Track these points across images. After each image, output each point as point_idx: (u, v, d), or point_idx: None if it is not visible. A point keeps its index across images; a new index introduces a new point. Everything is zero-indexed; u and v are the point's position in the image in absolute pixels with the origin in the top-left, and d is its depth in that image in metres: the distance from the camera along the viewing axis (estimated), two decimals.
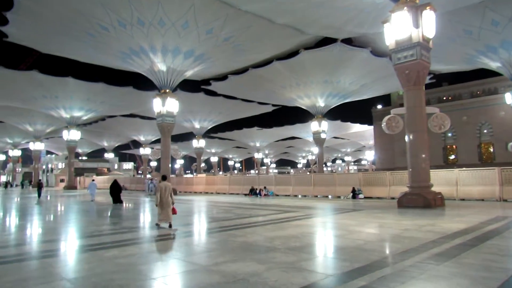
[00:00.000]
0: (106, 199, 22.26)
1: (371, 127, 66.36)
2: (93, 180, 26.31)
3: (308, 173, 58.56)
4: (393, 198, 19.51)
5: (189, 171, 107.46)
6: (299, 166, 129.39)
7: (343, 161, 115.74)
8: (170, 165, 31.28)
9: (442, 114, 15.10)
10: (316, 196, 23.44)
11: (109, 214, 15.13)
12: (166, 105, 28.40)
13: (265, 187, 25.91)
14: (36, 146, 57.16)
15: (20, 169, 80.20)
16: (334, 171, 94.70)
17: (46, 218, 14.44)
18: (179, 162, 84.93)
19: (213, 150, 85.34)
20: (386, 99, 67.29)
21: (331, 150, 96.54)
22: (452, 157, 49.65)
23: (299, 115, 60.89)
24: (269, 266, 5.71)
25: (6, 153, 79.45)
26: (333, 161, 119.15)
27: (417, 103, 14.69)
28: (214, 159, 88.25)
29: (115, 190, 20.09)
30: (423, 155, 14.59)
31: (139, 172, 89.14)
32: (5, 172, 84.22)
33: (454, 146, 49.56)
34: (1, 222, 13.10)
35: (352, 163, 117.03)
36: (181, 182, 35.39)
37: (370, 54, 27.91)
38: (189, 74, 29.23)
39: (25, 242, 8.88)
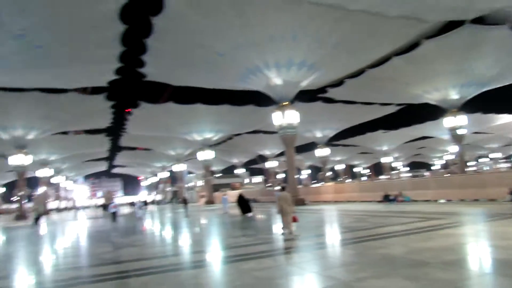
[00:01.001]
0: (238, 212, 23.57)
1: None
2: (224, 195, 28.86)
3: (448, 174, 52.22)
4: None
5: (315, 181, 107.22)
6: (435, 167, 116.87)
7: (490, 158, 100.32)
8: (296, 175, 31.50)
9: None
10: (463, 200, 20.55)
11: (241, 226, 15.80)
12: (286, 117, 28.85)
13: (400, 193, 23.90)
14: (179, 167, 64.83)
15: (169, 188, 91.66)
16: (478, 171, 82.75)
17: (191, 231, 15.83)
18: (305, 173, 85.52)
19: (337, 158, 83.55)
20: None
21: (472, 147, 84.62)
22: None
23: (429, 112, 54.96)
24: (423, 285, 4.97)
25: (156, 175, 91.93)
26: (476, 159, 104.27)
27: None
28: (339, 166, 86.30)
29: (242, 202, 22.10)
30: None
31: (268, 184, 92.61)
32: (157, 192, 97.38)
33: None
34: (159, 234, 14.85)
35: (502, 160, 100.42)
36: (308, 192, 35.30)
37: (510, 30, 23.69)
38: (304, 84, 29.28)
39: (174, 253, 9.73)
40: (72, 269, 8.05)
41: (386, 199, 24.26)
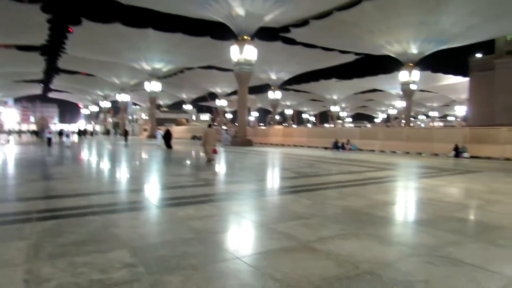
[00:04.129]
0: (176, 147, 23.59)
1: (466, 79, 58.55)
2: (158, 129, 29.32)
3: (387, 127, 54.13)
4: (508, 159, 16.33)
5: (262, 124, 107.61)
6: (377, 121, 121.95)
7: (427, 116, 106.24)
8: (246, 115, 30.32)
9: None
10: (408, 152, 20.76)
11: (170, 160, 14.57)
12: (244, 53, 26.89)
13: (348, 141, 23.75)
14: (122, 97, 60.58)
15: (110, 119, 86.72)
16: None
17: (117, 164, 14.27)
18: (253, 115, 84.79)
19: (288, 103, 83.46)
20: (488, 47, 58.29)
21: (415, 104, 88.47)
22: None
23: (383, 65, 55.53)
24: (399, 251, 4.03)
25: (98, 104, 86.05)
26: (414, 117, 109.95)
27: None
28: (288, 112, 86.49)
29: (168, 137, 23.74)
30: None
31: (215, 123, 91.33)
32: (97, 122, 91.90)
33: None
34: (82, 166, 13.12)
35: (438, 119, 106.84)
36: (256, 134, 34.53)
37: None
38: (268, 18, 27.11)
39: (95, 190, 8.21)
40: None
41: (335, 146, 24.07)
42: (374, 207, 6.55)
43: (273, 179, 10.48)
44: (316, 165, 14.08)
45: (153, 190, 8.26)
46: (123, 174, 11.10)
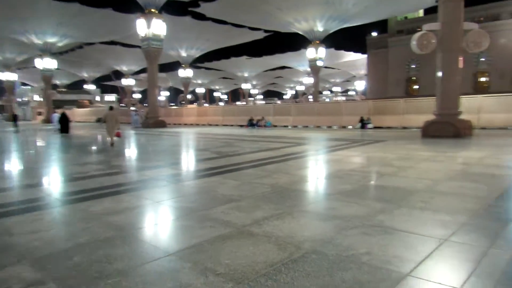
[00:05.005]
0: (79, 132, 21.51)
1: (364, 56, 63.46)
2: (54, 112, 27.88)
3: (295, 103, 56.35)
4: (405, 128, 18.03)
5: (173, 104, 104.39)
6: (286, 97, 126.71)
7: (331, 91, 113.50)
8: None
9: (480, 31, 12.88)
10: (319, 126, 21.78)
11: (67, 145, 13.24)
12: (152, 27, 25.12)
13: (263, 118, 24.06)
14: (7, 76, 52.80)
15: None
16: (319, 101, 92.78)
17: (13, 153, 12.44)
18: (164, 94, 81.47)
19: (199, 81, 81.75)
20: (382, 26, 63.63)
21: (320, 80, 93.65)
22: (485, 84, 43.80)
23: (291, 43, 57.43)
24: (335, 225, 3.99)
25: None
26: (321, 92, 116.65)
27: (455, 16, 12.40)
28: (200, 90, 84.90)
29: (64, 121, 22.08)
30: (457, 78, 12.68)
31: (122, 104, 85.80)
32: None
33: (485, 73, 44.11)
34: None
35: (340, 94, 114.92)
36: (169, 114, 33.19)
37: None
38: None
39: None
40: None
41: (250, 123, 24.22)
42: (300, 182, 6.55)
43: (194, 161, 10.00)
44: (235, 143, 13.91)
45: (56, 183, 7.22)
46: (14, 167, 9.59)
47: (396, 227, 3.88)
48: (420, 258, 3.05)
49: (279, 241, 3.59)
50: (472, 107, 15.93)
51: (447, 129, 12.51)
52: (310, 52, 36.70)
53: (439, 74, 12.96)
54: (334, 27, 34.96)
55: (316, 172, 7.76)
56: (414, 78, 52.28)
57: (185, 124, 29.94)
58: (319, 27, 34.29)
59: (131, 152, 12.06)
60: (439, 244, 3.35)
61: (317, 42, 35.89)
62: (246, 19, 37.43)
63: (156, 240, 3.86)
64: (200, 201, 5.34)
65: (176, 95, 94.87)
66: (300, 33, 36.21)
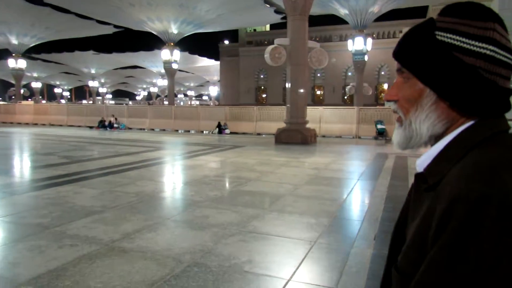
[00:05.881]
0: None
1: (217, 62, 65.79)
2: None
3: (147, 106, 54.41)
4: (259, 134, 19.34)
5: (0, 98, 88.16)
6: (138, 98, 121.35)
7: (186, 95, 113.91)
8: None
9: (321, 50, 14.87)
10: (177, 130, 21.54)
11: None
12: None
13: (116, 119, 22.42)
14: None
15: None
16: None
17: None
18: None
19: (35, 74, 71.01)
20: (233, 35, 67.18)
21: (175, 83, 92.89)
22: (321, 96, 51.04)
23: (144, 42, 55.04)
24: (213, 234, 3.99)
25: None
26: (175, 95, 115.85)
27: (301, 34, 13.96)
28: (37, 85, 73.82)
29: None
30: (303, 90, 14.29)
31: None
32: None
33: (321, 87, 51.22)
34: None
35: (194, 98, 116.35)
36: None
37: None
38: None
39: None
40: None
41: (102, 125, 22.26)
42: (167, 190, 6.33)
43: (38, 168, 8.52)
44: (87, 147, 12.55)
45: None
46: None
47: (271, 232, 4.09)
48: (297, 262, 3.29)
49: (156, 255, 3.38)
50: (315, 117, 18.17)
51: (296, 136, 13.96)
52: (165, 54, 35.96)
53: (288, 85, 14.40)
54: (189, 31, 35.23)
55: (182, 178, 7.62)
56: (263, 87, 56.75)
57: (19, 124, 25.54)
58: (174, 29, 34.00)
59: None
60: (311, 247, 3.67)
61: (172, 44, 35.49)
62: (94, 11, 34.33)
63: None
64: (54, 215, 4.60)
65: (4, 88, 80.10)
66: (154, 33, 35.22)
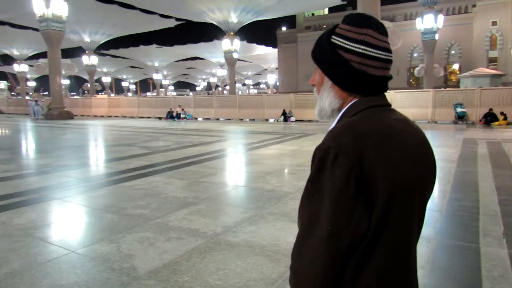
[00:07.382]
0: None
1: (275, 50, 65.27)
2: None
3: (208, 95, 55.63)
4: (318, 121, 18.79)
5: (75, 93, 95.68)
6: (198, 88, 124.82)
7: (244, 84, 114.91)
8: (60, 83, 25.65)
9: (394, 29, 13.94)
10: (242, 119, 21.68)
11: None
12: (52, 6, 22.19)
13: (183, 109, 23.13)
14: None
15: None
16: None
17: None
18: (64, 83, 73.63)
19: (104, 70, 75.73)
20: (291, 22, 66.11)
21: None
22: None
23: (204, 33, 56.11)
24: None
25: None
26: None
27: (373, 14, 13.12)
28: (106, 79, 78.77)
29: None
30: None
31: (13, 93, 75.79)
32: None
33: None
34: None
35: (252, 87, 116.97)
36: (75, 105, 30.04)
37: None
38: None
39: None
40: None
41: (169, 115, 23.10)
42: (252, 180, 6.23)
43: (125, 158, 8.84)
44: (162, 137, 13.02)
45: None
46: None
47: None
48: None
49: (265, 251, 3.27)
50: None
51: None
52: (226, 44, 36.26)
53: None
54: (248, 19, 35.10)
55: (263, 168, 7.43)
56: None
57: (95, 116, 27.39)
58: (233, 18, 34.07)
59: (52, 147, 10.41)
60: (433, 246, 3.31)
61: (232, 33, 35.65)
62: (157, 6, 35.55)
63: (125, 260, 3.19)
64: (152, 206, 4.70)
65: (78, 83, 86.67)
66: (214, 23, 35.59)
